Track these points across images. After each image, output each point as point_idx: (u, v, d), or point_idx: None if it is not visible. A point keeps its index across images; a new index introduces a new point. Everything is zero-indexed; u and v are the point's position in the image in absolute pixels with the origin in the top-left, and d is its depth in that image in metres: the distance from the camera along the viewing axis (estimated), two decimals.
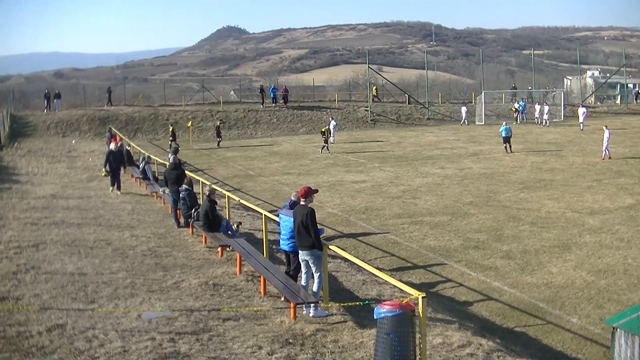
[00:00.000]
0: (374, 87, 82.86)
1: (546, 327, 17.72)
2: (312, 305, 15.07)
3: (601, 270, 22.10)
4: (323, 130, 53.89)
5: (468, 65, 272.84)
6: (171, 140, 55.04)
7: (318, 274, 15.35)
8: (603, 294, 19.92)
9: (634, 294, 19.55)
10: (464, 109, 75.70)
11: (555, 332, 17.38)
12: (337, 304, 15.37)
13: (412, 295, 11.84)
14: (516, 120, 73.64)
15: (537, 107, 73.23)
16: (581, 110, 69.31)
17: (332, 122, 60.77)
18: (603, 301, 19.37)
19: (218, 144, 59.56)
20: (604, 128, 46.21)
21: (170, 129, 58.52)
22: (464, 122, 74.92)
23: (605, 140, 45.37)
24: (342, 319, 15.00)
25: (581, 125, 67.21)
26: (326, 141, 52.82)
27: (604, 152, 45.72)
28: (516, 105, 77.66)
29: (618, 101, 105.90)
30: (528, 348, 16.05)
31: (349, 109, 76.30)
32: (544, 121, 71.52)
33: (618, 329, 11.99)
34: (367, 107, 75.96)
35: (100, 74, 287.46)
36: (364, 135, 63.27)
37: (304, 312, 15.11)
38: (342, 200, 33.80)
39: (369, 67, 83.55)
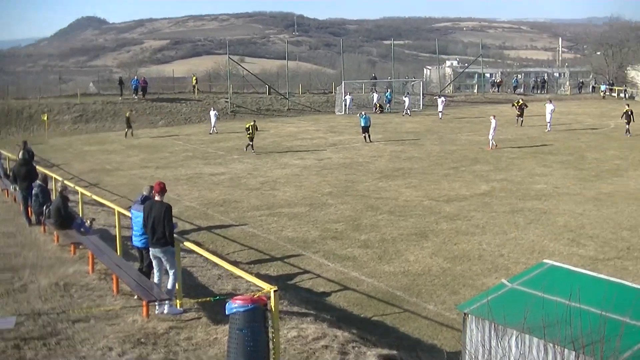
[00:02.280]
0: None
1: (403, 315, 17.94)
2: (165, 302, 14.77)
3: (457, 256, 22.58)
4: (247, 125, 47.90)
5: (330, 55, 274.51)
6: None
7: (173, 270, 15.00)
8: (459, 280, 20.34)
9: (488, 279, 20.00)
10: (348, 98, 75.65)
11: (412, 320, 17.61)
12: (192, 300, 15.11)
13: (265, 289, 11.73)
14: (375, 108, 74.07)
15: (406, 99, 73.73)
16: (440, 100, 70.60)
17: (214, 112, 61.03)
18: (458, 287, 19.76)
19: (126, 135, 58.07)
20: (492, 118, 47.14)
21: None
22: (348, 110, 74.24)
23: (492, 129, 46.35)
24: (196, 316, 14.75)
25: (440, 114, 68.39)
26: (252, 139, 47.26)
27: (490, 141, 46.66)
28: (376, 97, 78.09)
29: (475, 90, 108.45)
30: (385, 337, 16.17)
31: (209, 100, 75.59)
32: (405, 111, 72.28)
33: (469, 315, 12.13)
34: (227, 98, 75.46)
35: None
36: (224, 126, 62.70)
37: (157, 310, 14.79)
38: (200, 193, 33.45)
39: (229, 58, 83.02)
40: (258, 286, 12.44)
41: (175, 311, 14.82)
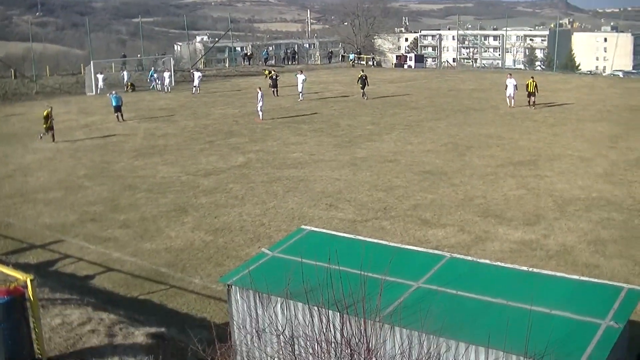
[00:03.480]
0: None
1: (170, 292, 18.01)
2: None
3: (218, 229, 22.85)
4: (45, 114, 41.84)
5: (78, 35, 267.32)
6: None
7: None
8: (222, 252, 20.64)
9: (251, 249, 20.40)
10: (100, 76, 73.64)
11: (179, 295, 17.71)
12: None
13: (20, 278, 11.34)
14: (126, 87, 72.70)
15: (166, 74, 72.64)
16: (197, 75, 70.22)
17: None
18: (222, 259, 20.03)
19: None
20: (258, 89, 47.63)
21: None
22: (101, 89, 72.24)
23: (259, 101, 46.44)
24: None
25: (195, 89, 67.92)
26: (50, 129, 41.70)
27: (259, 112, 46.74)
28: (148, 75, 76.63)
29: (227, 64, 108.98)
30: (154, 315, 16.17)
31: None
32: (165, 87, 71.47)
33: (233, 286, 12.25)
34: None
35: None
36: None
37: None
38: None
39: None
40: (14, 276, 12.02)
41: None
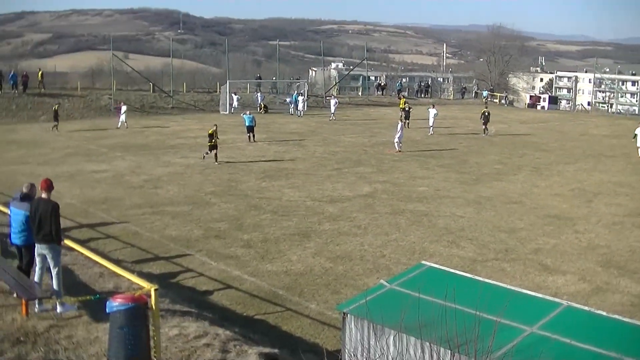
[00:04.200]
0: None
1: (285, 314, 18.07)
2: (57, 301, 14.62)
3: (339, 256, 22.84)
4: (211, 131, 41.59)
5: (215, 54, 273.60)
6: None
7: (56, 269, 14.77)
8: (340, 280, 20.59)
9: (369, 279, 20.30)
10: (235, 96, 75.55)
11: (294, 319, 17.76)
12: (72, 299, 14.91)
13: (145, 287, 11.73)
14: (260, 108, 73.86)
15: (300, 99, 73.59)
16: (333, 101, 71.03)
17: (124, 107, 60.35)
18: (340, 287, 20.01)
19: (52, 128, 56.35)
20: (399, 121, 48.33)
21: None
22: (234, 109, 73.81)
23: (398, 130, 46.68)
24: (77, 314, 14.57)
25: (332, 115, 68.72)
26: (214, 147, 41.24)
27: (395, 144, 46.84)
28: (288, 99, 77.81)
29: (360, 93, 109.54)
30: (267, 335, 16.24)
31: (92, 96, 74.28)
32: (298, 112, 72.47)
33: (348, 314, 12.35)
34: (111, 94, 74.36)
35: None
36: (106, 123, 61.77)
37: (36, 308, 14.57)
38: (81, 190, 32.84)
39: (113, 54, 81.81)
40: (139, 285, 12.43)
41: (68, 308, 14.67)
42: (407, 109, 61.70)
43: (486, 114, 58.01)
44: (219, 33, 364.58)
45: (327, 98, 76.76)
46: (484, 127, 57.53)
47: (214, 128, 41.82)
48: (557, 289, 20.16)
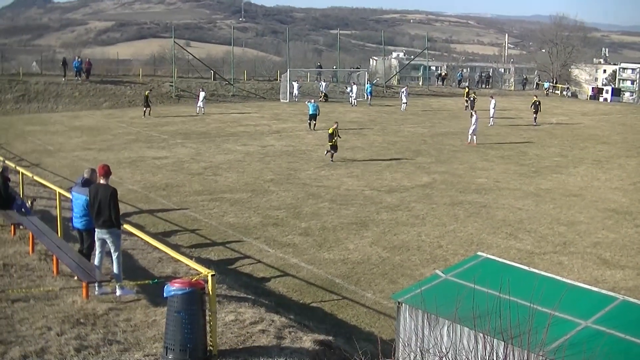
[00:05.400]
0: None
1: (341, 302, 18.18)
2: (117, 285, 14.90)
3: (396, 246, 22.86)
4: (332, 131, 38.50)
5: (276, 42, 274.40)
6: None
7: (117, 254, 15.03)
8: (397, 270, 20.62)
9: (426, 269, 20.31)
10: (295, 84, 75.70)
11: (350, 307, 17.86)
12: (132, 283, 15.14)
13: (203, 273, 11.88)
14: (321, 97, 73.77)
15: (354, 87, 73.32)
16: (403, 90, 70.66)
17: (202, 93, 61.53)
18: (397, 276, 20.04)
19: (144, 114, 57.71)
20: (473, 113, 48.17)
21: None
22: (295, 97, 74.00)
23: (473, 123, 46.48)
24: (136, 298, 14.83)
25: (403, 105, 68.35)
26: (334, 147, 38.52)
27: (469, 136, 46.72)
28: (348, 90, 77.41)
29: (420, 82, 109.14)
30: (323, 323, 16.36)
31: (154, 84, 74.87)
32: (352, 101, 72.22)
33: (403, 304, 12.37)
34: (172, 82, 74.92)
35: None
36: (168, 110, 62.34)
37: (96, 291, 14.83)
38: (142, 176, 33.27)
39: (175, 42, 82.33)
40: (197, 270, 12.60)
41: (127, 292, 14.93)
42: (472, 98, 61.57)
43: (537, 103, 58.50)
44: (280, 21, 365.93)
45: (401, 90, 74.31)
46: (534, 115, 58.00)
47: (335, 126, 38.81)
48: (615, 284, 19.96)
